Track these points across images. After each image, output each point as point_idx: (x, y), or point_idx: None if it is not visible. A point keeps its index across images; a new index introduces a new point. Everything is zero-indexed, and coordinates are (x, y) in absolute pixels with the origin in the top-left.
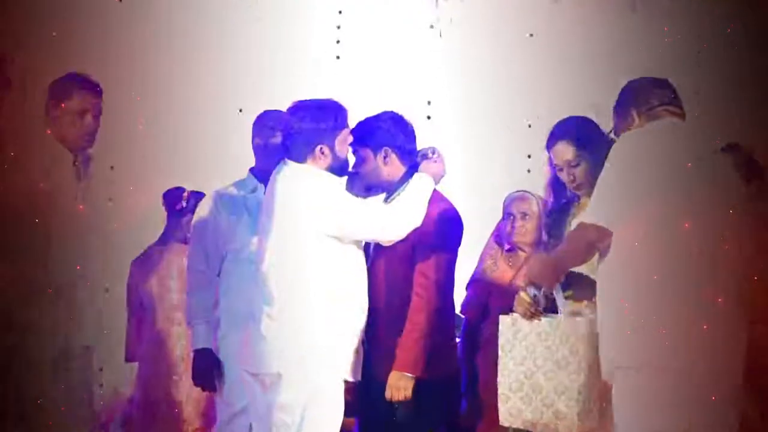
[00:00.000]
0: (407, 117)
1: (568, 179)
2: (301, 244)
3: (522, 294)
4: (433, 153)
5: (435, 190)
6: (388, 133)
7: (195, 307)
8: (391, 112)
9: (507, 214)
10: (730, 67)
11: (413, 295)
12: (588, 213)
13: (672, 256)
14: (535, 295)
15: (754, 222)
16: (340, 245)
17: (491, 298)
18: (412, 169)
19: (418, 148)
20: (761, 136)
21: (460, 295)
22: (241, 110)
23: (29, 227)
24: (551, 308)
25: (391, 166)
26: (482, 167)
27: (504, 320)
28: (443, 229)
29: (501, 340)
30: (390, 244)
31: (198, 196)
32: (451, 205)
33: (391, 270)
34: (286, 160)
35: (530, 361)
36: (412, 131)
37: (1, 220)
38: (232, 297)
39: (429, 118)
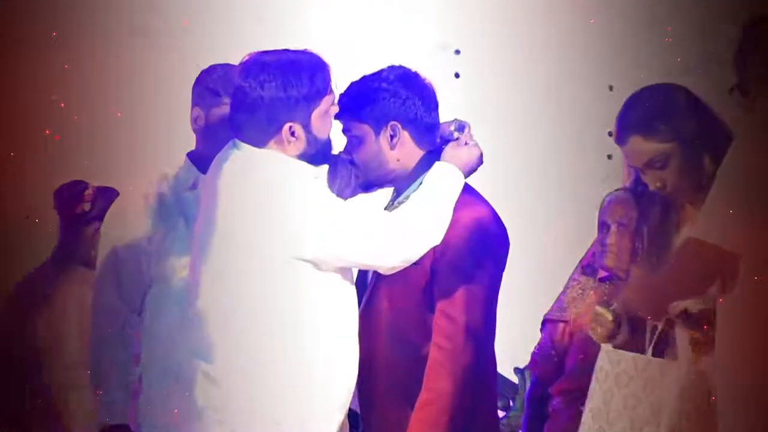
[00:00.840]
0: (425, 74)
1: (653, 185)
2: (256, 271)
3: (600, 310)
4: (463, 130)
5: (466, 187)
6: (396, 98)
7: (104, 364)
8: (401, 66)
9: (601, 225)
10: None
11: (432, 348)
12: (699, 228)
13: None
14: (617, 316)
15: None
16: (318, 274)
17: (572, 347)
18: (433, 155)
19: (441, 122)
20: None
21: (505, 347)
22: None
23: None
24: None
25: (401, 150)
26: (540, 153)
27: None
28: (478, 248)
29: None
30: (394, 271)
31: (108, 194)
32: (491, 209)
33: (398, 309)
34: (236, 141)
35: (603, 416)
36: (434, 96)
37: None
38: (159, 348)
39: (458, 76)
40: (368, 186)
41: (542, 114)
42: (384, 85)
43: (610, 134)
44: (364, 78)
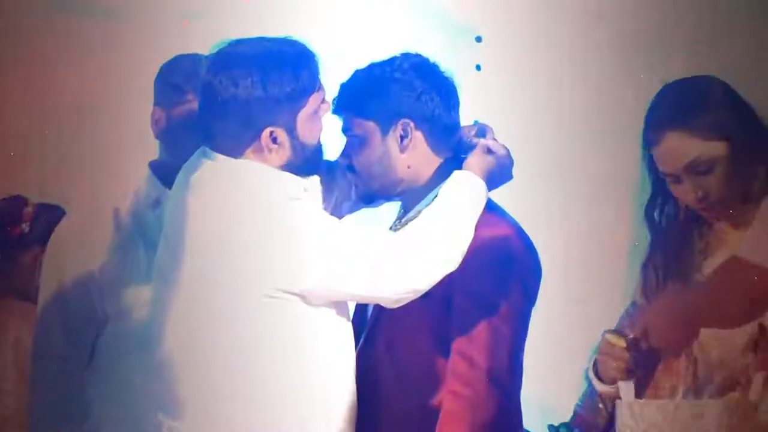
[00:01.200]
0: (442, 64)
1: (694, 195)
2: (233, 308)
3: (611, 337)
4: (486, 135)
5: (489, 203)
6: (410, 91)
7: (46, 419)
8: (417, 54)
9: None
10: None
11: (447, 397)
12: (742, 249)
13: None
14: (635, 343)
15: None
16: (308, 310)
17: None
18: (451, 164)
19: (462, 124)
20: None
21: (534, 397)
22: None
23: None
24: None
25: (412, 155)
26: (572, 161)
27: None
28: (504, 275)
29: None
30: (400, 305)
31: (52, 213)
32: (519, 229)
33: (404, 351)
34: (206, 149)
35: None
36: (455, 92)
37: None
38: (114, 400)
39: (479, 68)
40: (371, 198)
41: (575, 117)
42: (397, 74)
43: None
44: (371, 65)
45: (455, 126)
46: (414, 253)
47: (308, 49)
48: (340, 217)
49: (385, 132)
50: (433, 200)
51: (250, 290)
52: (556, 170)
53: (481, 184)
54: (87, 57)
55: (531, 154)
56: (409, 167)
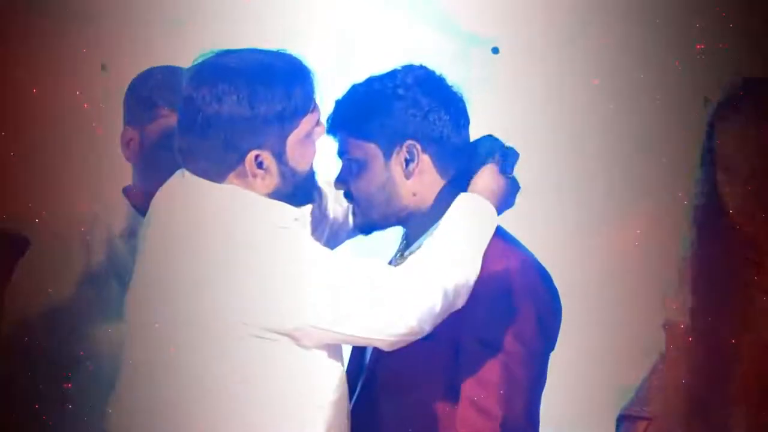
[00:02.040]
0: (453, 78)
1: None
2: (214, 350)
3: None
4: (499, 150)
5: (499, 230)
6: (416, 109)
7: None
8: (422, 67)
9: None
10: None
11: None
12: None
13: None
14: None
15: None
16: (297, 352)
17: None
18: (456, 186)
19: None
20: None
21: None
22: None
23: None
24: None
25: (419, 180)
26: (594, 180)
27: None
28: (519, 314)
29: None
30: (398, 347)
31: (14, 245)
32: (534, 260)
33: (407, 399)
34: (184, 172)
35: None
36: (464, 109)
37: None
38: None
39: (496, 51)
40: (370, 228)
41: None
42: (400, 90)
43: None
44: (371, 80)
45: (466, 146)
46: (415, 290)
47: (303, 65)
48: (334, 246)
49: (388, 156)
50: (437, 231)
51: (235, 329)
52: (575, 192)
53: (490, 209)
54: (53, 72)
55: (548, 174)
56: (414, 194)
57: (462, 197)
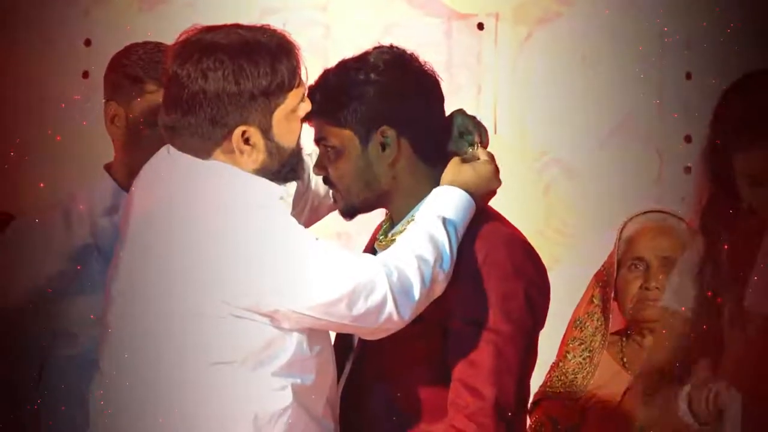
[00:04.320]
0: (424, 56)
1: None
2: (192, 325)
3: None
4: (476, 137)
5: (488, 212)
6: (389, 94)
7: None
8: (392, 48)
9: (633, 260)
10: None
11: None
12: None
13: None
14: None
15: None
16: (280, 334)
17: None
18: (434, 163)
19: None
20: None
21: None
22: None
23: None
24: None
25: (398, 164)
26: (598, 166)
27: None
28: (508, 292)
29: None
30: (377, 337)
31: None
32: (521, 240)
33: (397, 383)
34: (170, 149)
35: None
36: (438, 89)
37: None
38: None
39: (481, 27)
40: (353, 212)
41: (601, 114)
42: (372, 75)
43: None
44: (343, 64)
45: (441, 125)
46: (393, 281)
47: (287, 40)
48: (315, 221)
49: (364, 141)
50: (414, 219)
51: (215, 307)
52: (586, 175)
53: (464, 198)
54: (39, 49)
55: (552, 156)
56: (394, 178)
57: (437, 190)
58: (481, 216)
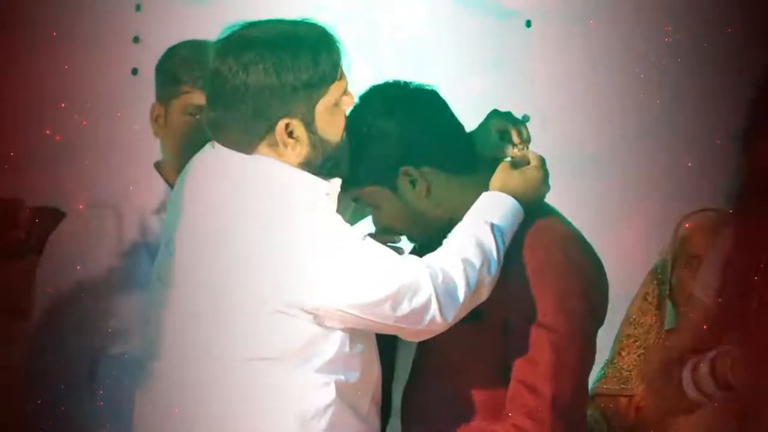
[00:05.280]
0: (418, 76)
1: None
2: (236, 323)
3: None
4: (523, 140)
5: (546, 209)
6: (390, 140)
7: None
8: (376, 87)
9: (688, 257)
10: None
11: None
12: None
13: None
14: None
15: None
16: (322, 332)
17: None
18: (473, 172)
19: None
20: None
21: None
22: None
23: None
24: None
25: (436, 192)
26: (632, 163)
27: None
28: (563, 289)
29: None
30: (419, 339)
31: (50, 217)
32: (579, 236)
33: (456, 377)
34: (214, 144)
35: None
36: (440, 103)
37: None
38: (116, 427)
39: (529, 25)
40: (421, 250)
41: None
42: (364, 129)
43: None
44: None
45: (459, 135)
46: (439, 284)
47: (328, 32)
48: (360, 219)
49: (393, 188)
50: (461, 225)
51: (260, 302)
52: (614, 169)
53: (512, 204)
54: (86, 49)
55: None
56: (438, 205)
57: (482, 196)
58: (538, 213)
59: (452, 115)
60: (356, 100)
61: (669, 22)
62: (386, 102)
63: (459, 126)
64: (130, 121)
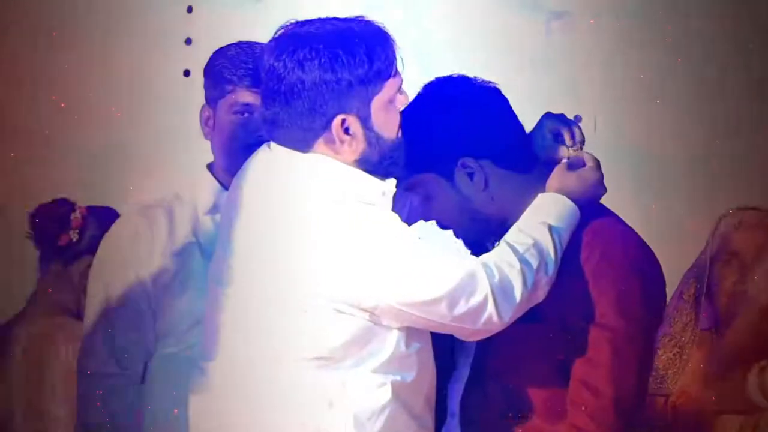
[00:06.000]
0: (479, 74)
1: None
2: (293, 320)
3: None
4: (576, 143)
5: (602, 210)
6: (451, 130)
7: None
8: (439, 81)
9: (728, 255)
10: None
11: None
12: None
13: None
14: None
15: None
16: (379, 330)
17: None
18: (528, 172)
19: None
20: None
21: None
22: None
23: None
24: None
25: (492, 185)
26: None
27: None
28: (622, 288)
29: None
30: (475, 339)
31: (103, 218)
32: (636, 236)
33: (516, 378)
34: (270, 144)
35: None
36: (500, 99)
37: None
38: (168, 427)
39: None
40: (474, 247)
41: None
42: (428, 117)
43: None
44: (402, 113)
45: (519, 133)
46: (496, 284)
47: (382, 30)
48: (416, 219)
49: (450, 178)
50: (518, 228)
51: (314, 301)
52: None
53: (569, 206)
54: (141, 48)
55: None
56: (493, 200)
57: (538, 197)
58: (595, 213)
59: (513, 113)
60: (421, 90)
61: (721, 24)
62: (452, 92)
63: (519, 124)
64: (183, 122)
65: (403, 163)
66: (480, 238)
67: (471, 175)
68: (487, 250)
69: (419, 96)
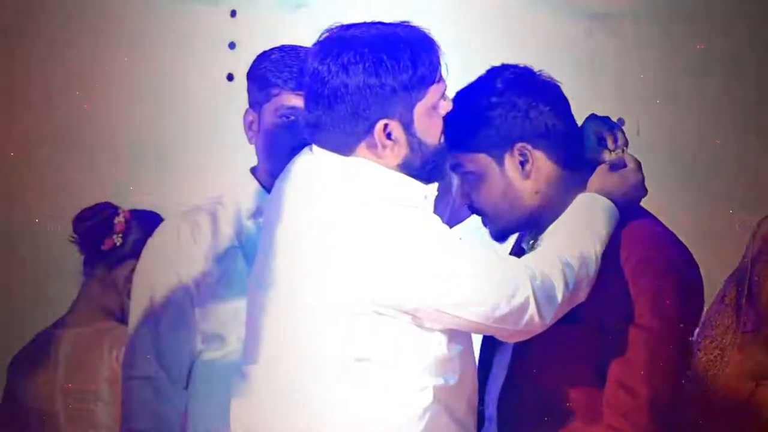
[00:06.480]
0: (544, 68)
1: None
2: (335, 324)
3: None
4: (618, 147)
5: (639, 211)
6: (516, 111)
7: None
8: (507, 67)
9: (759, 256)
10: None
11: None
12: None
13: None
14: None
15: None
16: (421, 333)
17: None
18: (573, 170)
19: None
20: None
21: None
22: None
23: None
24: None
25: (538, 178)
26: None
27: None
28: (660, 288)
29: None
30: (514, 340)
31: (147, 221)
32: (674, 237)
33: (553, 379)
34: (312, 147)
35: None
36: (562, 96)
37: None
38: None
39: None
40: (504, 235)
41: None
42: (493, 99)
43: None
44: (461, 93)
45: (574, 132)
46: (537, 284)
47: (427, 35)
48: (456, 223)
49: (500, 162)
50: (557, 230)
51: (356, 303)
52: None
53: (609, 207)
54: (184, 52)
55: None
56: (537, 192)
57: (579, 197)
58: (633, 214)
59: (570, 111)
60: (485, 72)
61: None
62: (518, 79)
63: (575, 122)
64: (226, 126)
65: (444, 169)
66: (514, 227)
67: (523, 164)
68: (519, 241)
69: (483, 77)
